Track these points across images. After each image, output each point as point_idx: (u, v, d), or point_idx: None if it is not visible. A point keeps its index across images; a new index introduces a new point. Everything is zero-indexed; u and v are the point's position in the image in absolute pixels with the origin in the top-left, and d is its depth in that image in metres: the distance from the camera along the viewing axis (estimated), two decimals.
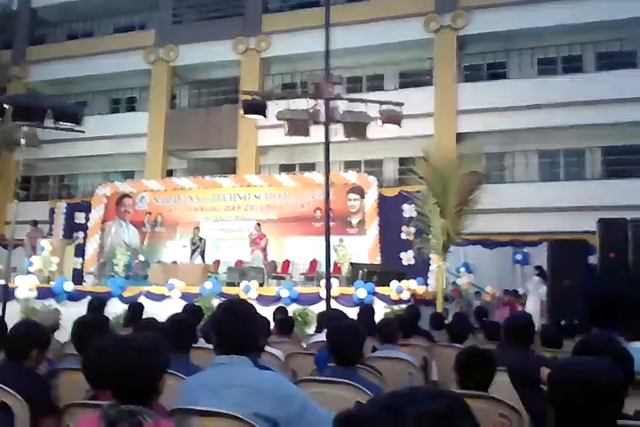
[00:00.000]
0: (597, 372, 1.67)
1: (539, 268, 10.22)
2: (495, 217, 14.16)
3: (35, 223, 13.19)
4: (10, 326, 3.85)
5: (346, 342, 2.95)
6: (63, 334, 5.81)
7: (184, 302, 8.77)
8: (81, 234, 14.95)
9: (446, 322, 6.46)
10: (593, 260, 9.18)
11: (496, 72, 17.93)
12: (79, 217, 15.22)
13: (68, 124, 7.87)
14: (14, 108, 7.77)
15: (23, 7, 21.97)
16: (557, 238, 10.61)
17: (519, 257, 14.68)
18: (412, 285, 10.05)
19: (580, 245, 8.90)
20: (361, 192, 13.84)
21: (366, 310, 6.22)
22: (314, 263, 13.06)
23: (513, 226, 14.97)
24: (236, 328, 2.23)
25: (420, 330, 5.92)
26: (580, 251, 8.71)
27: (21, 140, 8.01)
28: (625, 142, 16.27)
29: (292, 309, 9.73)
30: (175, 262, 12.96)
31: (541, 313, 9.02)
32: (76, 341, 3.49)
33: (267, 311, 6.72)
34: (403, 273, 10.56)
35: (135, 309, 6.49)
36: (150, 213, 15.12)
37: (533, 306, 9.16)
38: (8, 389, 2.74)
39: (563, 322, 7.69)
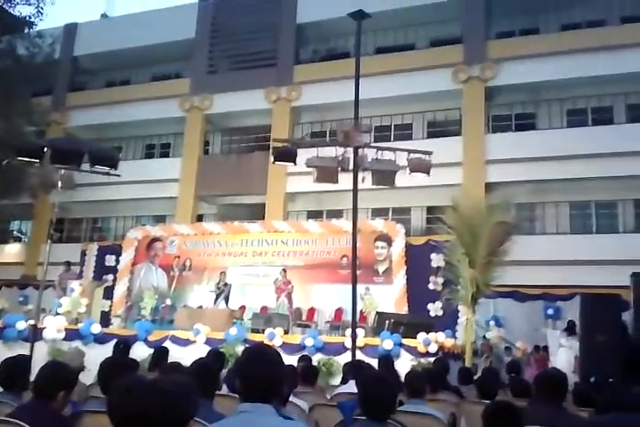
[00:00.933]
0: None
1: (570, 322, 9.96)
2: (525, 269, 13.96)
3: (68, 264, 13.42)
4: (37, 366, 3.91)
5: (380, 394, 2.92)
6: (88, 376, 5.85)
7: (209, 348, 8.74)
8: (110, 276, 15.12)
9: (475, 377, 6.28)
10: (626, 315, 8.93)
11: (525, 123, 18.07)
12: (110, 260, 15.45)
13: (105, 169, 8.12)
14: (53, 152, 8.05)
15: (65, 55, 23.11)
16: (589, 292, 10.36)
17: (550, 311, 14.32)
18: (439, 337, 9.84)
19: (613, 300, 8.65)
20: (388, 240, 13.80)
21: (386, 361, 6.12)
22: (339, 312, 12.93)
23: (544, 279, 14.70)
24: (260, 373, 2.22)
25: (448, 385, 5.77)
26: (613, 305, 8.46)
27: (58, 182, 8.26)
28: None
29: (317, 358, 9.59)
30: (201, 307, 12.98)
31: (573, 369, 8.73)
32: (102, 382, 3.52)
33: (291, 360, 6.66)
34: (431, 324, 10.36)
35: (160, 353, 6.49)
36: (179, 257, 15.27)
37: (565, 362, 8.89)
38: None
39: (593, 379, 7.42)
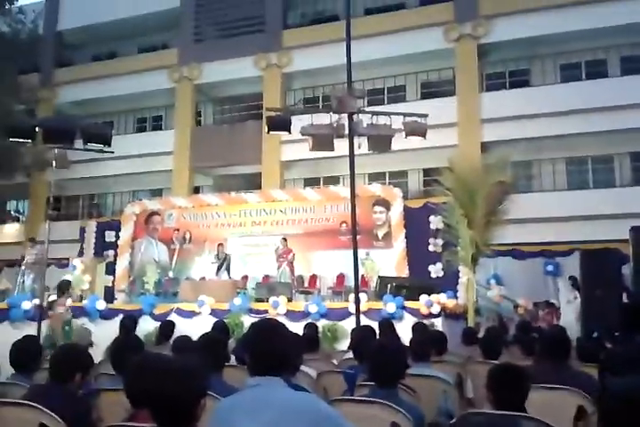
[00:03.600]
0: None
1: (572, 278, 10.05)
2: (524, 227, 14.00)
3: (32, 240, 13.00)
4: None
5: (390, 362, 2.95)
6: (96, 353, 5.92)
7: (214, 319, 8.82)
8: (111, 252, 15.13)
9: (479, 337, 6.35)
10: (626, 269, 9.00)
11: (519, 80, 17.83)
12: (109, 235, 15.42)
13: (98, 146, 8.04)
14: (45, 131, 7.97)
15: (48, 31, 22.56)
16: (589, 248, 10.43)
17: (550, 268, 14.41)
18: (441, 298, 9.93)
19: (613, 254, 8.72)
20: (386, 204, 13.79)
21: (386, 325, 6.15)
22: (341, 277, 13.02)
23: (543, 236, 14.77)
24: (270, 349, 2.24)
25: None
26: (612, 260, 8.53)
27: (52, 161, 8.21)
28: None
29: (321, 324, 9.66)
30: (204, 279, 13.05)
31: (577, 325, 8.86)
32: (114, 360, 3.56)
33: (296, 327, 6.72)
34: (432, 286, 10.44)
35: (167, 326, 6.55)
36: (178, 230, 15.27)
37: (573, 317, 9.00)
38: (48, 411, 2.79)
39: (595, 334, 7.52)
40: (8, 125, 8.57)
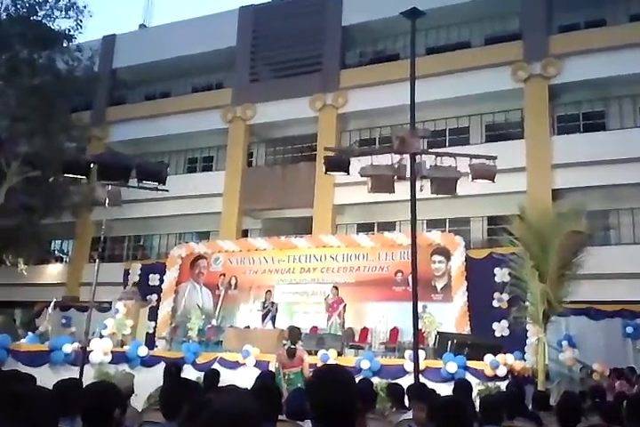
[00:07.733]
0: None
1: None
2: (601, 283, 13.52)
3: (134, 284, 13.27)
4: None
5: (456, 421, 2.88)
6: (137, 402, 5.94)
7: (258, 371, 8.77)
8: (155, 296, 15.39)
9: (552, 402, 6.09)
10: None
11: (594, 123, 17.62)
12: (153, 279, 15.70)
13: (153, 184, 8.36)
14: (100, 168, 8.36)
15: (104, 68, 23.72)
16: None
17: (630, 330, 13.75)
18: (508, 359, 9.61)
19: None
20: (446, 254, 13.63)
21: (463, 386, 5.95)
22: (395, 332, 12.80)
23: (621, 293, 14.20)
24: (334, 397, 2.22)
25: (526, 411, 5.59)
26: None
27: (105, 199, 8.53)
28: None
29: (374, 382, 9.49)
30: (249, 327, 13.08)
31: None
32: (165, 406, 3.54)
33: None
34: (498, 346, 10.14)
35: (212, 376, 6.53)
36: (224, 275, 15.44)
37: None
38: None
39: None
40: (63, 161, 9.01)
